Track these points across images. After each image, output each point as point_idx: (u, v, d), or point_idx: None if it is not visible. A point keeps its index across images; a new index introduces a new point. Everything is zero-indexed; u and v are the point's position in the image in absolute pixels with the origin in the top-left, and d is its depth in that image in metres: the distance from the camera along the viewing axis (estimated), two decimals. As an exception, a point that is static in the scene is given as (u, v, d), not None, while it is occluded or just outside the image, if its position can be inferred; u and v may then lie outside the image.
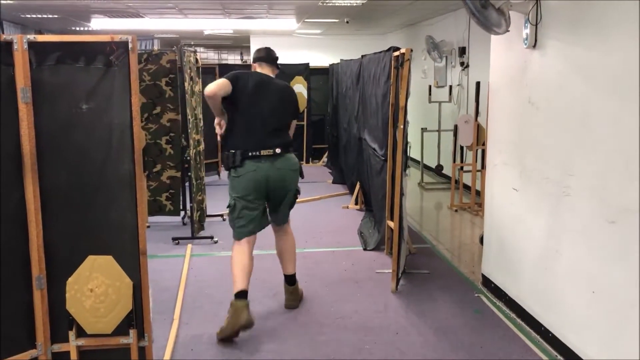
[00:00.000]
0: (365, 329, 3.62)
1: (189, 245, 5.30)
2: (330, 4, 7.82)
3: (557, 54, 3.27)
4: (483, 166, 6.07)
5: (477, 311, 3.90)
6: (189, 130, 5.39)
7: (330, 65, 9.92)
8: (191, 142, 5.43)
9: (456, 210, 6.83)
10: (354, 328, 3.63)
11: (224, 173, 8.82)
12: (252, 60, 4.08)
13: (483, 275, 4.36)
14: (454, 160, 7.07)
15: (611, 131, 2.80)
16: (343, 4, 7.89)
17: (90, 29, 11.15)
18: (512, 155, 3.88)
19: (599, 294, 2.92)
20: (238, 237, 3.65)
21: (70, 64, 2.47)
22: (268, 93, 3.70)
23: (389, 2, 7.90)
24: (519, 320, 3.74)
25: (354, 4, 7.89)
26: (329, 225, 6.05)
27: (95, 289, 2.53)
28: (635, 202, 2.61)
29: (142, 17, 9.61)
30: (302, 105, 9.86)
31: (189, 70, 5.42)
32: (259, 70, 3.89)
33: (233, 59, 18.84)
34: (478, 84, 6.70)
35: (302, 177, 3.91)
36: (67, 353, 2.61)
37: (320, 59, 11.58)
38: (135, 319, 2.59)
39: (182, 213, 6.12)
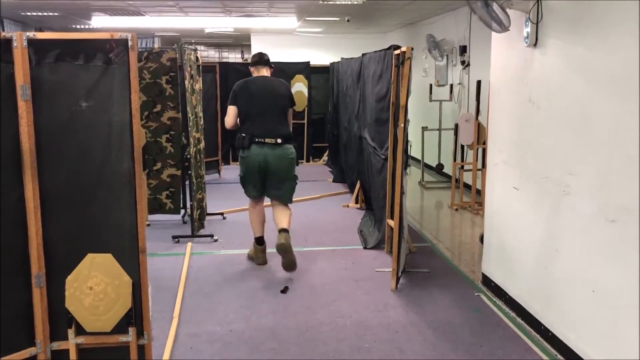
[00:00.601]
0: (365, 327, 3.62)
1: (189, 244, 5.30)
2: (331, 3, 7.81)
3: (558, 53, 3.27)
4: (483, 165, 6.07)
5: (477, 310, 3.90)
6: (189, 129, 5.39)
7: (330, 63, 9.90)
8: (191, 140, 5.42)
9: (456, 209, 6.83)
10: (353, 327, 3.63)
11: (224, 171, 8.82)
12: (250, 65, 4.87)
13: (483, 274, 4.36)
14: (455, 159, 7.06)
15: (612, 131, 2.79)
16: (344, 3, 7.87)
17: (90, 27, 11.14)
18: (512, 155, 3.87)
19: (599, 293, 2.92)
20: (250, 197, 4.70)
21: (70, 62, 2.47)
22: (267, 91, 4.62)
23: (390, 1, 7.89)
24: (518, 320, 3.74)
25: (355, 3, 7.87)
26: (329, 224, 6.05)
27: (94, 287, 2.53)
28: (636, 201, 2.60)
29: (142, 15, 9.61)
30: (303, 104, 9.87)
31: (189, 69, 5.42)
32: (255, 73, 4.75)
33: (234, 57, 18.81)
34: (479, 82, 6.69)
35: (297, 165, 4.82)
36: (67, 351, 2.60)
37: (320, 57, 11.56)
38: (135, 317, 2.59)
39: (182, 211, 6.12)
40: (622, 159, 2.70)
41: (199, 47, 17.58)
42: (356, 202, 6.74)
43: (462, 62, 8.09)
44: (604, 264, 2.87)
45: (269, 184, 4.55)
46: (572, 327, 3.17)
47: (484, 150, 6.12)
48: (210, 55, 18.72)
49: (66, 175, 2.54)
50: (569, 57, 3.16)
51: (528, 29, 3.49)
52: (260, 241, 4.72)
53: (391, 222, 4.59)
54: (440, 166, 8.53)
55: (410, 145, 7.43)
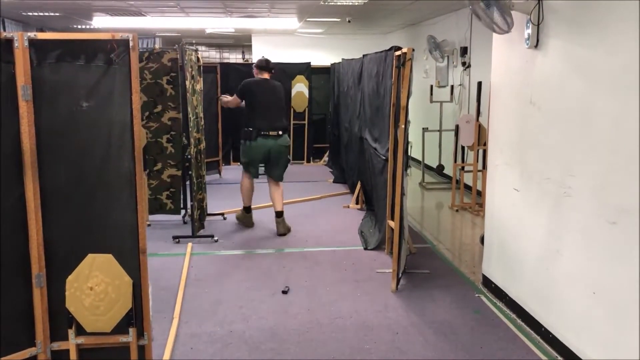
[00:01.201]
0: (365, 328, 3.62)
1: (190, 244, 5.30)
2: (332, 3, 7.81)
3: (559, 54, 3.27)
4: (484, 166, 6.07)
5: (477, 311, 3.90)
6: (190, 129, 5.39)
7: (331, 64, 9.90)
8: (192, 140, 5.42)
9: (457, 210, 6.83)
10: (353, 328, 3.63)
11: (224, 172, 8.82)
12: (255, 66, 5.86)
13: (483, 276, 4.36)
14: (455, 160, 7.05)
15: (612, 132, 2.79)
16: (345, 3, 7.88)
17: (92, 27, 11.15)
18: (513, 156, 3.87)
19: (599, 295, 2.91)
20: (248, 174, 5.75)
21: (71, 62, 2.47)
22: (270, 91, 5.72)
23: (391, 2, 7.89)
24: (519, 321, 3.74)
25: (356, 3, 7.88)
26: (330, 225, 6.04)
27: (95, 287, 2.53)
28: (636, 203, 2.60)
29: (144, 15, 9.62)
30: (304, 104, 9.87)
31: (190, 69, 5.42)
32: (259, 75, 5.79)
33: (235, 57, 18.82)
34: (479, 84, 6.69)
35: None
36: (67, 351, 2.61)
37: (321, 58, 11.56)
38: (135, 317, 2.59)
39: (183, 212, 6.12)
40: (623, 160, 2.70)
41: (200, 48, 17.61)
42: (357, 203, 6.73)
43: (463, 63, 8.09)
44: (605, 265, 2.87)
45: (270, 165, 5.68)
46: (573, 329, 3.17)
47: (485, 152, 6.12)
48: (211, 55, 18.73)
49: (67, 175, 2.54)
50: (570, 59, 3.16)
51: (529, 31, 3.49)
52: (248, 210, 5.91)
53: (392, 223, 4.59)
54: (440, 167, 8.53)
55: (411, 146, 7.42)
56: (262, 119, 5.53)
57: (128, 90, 2.48)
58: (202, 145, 6.00)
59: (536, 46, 3.47)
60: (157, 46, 13.84)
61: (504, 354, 3.32)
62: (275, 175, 5.71)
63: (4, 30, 9.87)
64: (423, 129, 8.33)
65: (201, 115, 5.98)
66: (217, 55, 19.10)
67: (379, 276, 4.51)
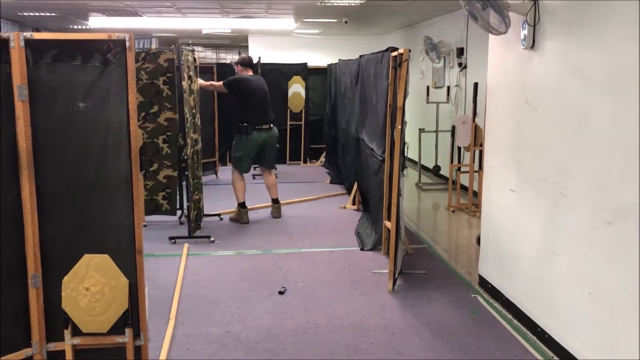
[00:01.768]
0: (362, 329, 3.62)
1: (186, 245, 5.29)
2: (329, 4, 7.82)
3: (555, 55, 3.28)
4: (480, 167, 6.08)
5: (473, 312, 3.91)
6: (187, 130, 5.38)
7: (328, 65, 9.90)
8: (188, 141, 5.41)
9: (453, 211, 6.84)
10: (350, 328, 3.63)
11: (221, 172, 8.81)
12: (239, 63, 6.25)
13: (480, 276, 4.37)
14: (452, 161, 7.07)
15: (609, 132, 2.80)
16: (342, 4, 7.89)
17: (88, 27, 11.13)
18: (509, 156, 3.88)
19: (595, 295, 2.92)
20: (239, 171, 6.07)
21: (67, 62, 2.46)
22: (260, 87, 6.13)
23: (388, 2, 7.90)
24: (515, 321, 3.75)
25: (353, 4, 7.88)
26: (326, 225, 6.04)
27: (91, 288, 2.52)
28: (633, 203, 2.61)
29: (140, 16, 9.60)
30: (300, 105, 9.86)
31: (186, 69, 5.41)
32: (243, 72, 6.19)
33: (231, 58, 18.81)
34: (476, 84, 6.70)
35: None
36: (63, 352, 2.59)
37: (318, 59, 11.56)
38: (131, 318, 2.58)
39: (179, 212, 6.11)
40: (619, 161, 2.71)
41: (196, 48, 17.56)
42: (353, 204, 6.74)
43: (460, 64, 8.10)
44: (601, 265, 2.88)
45: (263, 156, 6.16)
46: (569, 329, 3.17)
47: (481, 152, 6.13)
48: (207, 56, 18.73)
49: (63, 175, 2.53)
50: (566, 60, 3.17)
51: (525, 32, 3.50)
52: (243, 205, 6.09)
53: (388, 224, 4.59)
54: (437, 168, 8.54)
55: (407, 147, 7.43)
56: (256, 114, 5.96)
57: (124, 90, 2.47)
58: (199, 146, 5.99)
59: (532, 47, 3.48)
60: (153, 46, 13.81)
61: (501, 354, 3.33)
62: (268, 164, 6.29)
63: (0, 30, 9.84)
64: (419, 129, 8.34)
65: (198, 115, 5.97)
66: (213, 56, 19.10)
67: (376, 277, 4.52)
